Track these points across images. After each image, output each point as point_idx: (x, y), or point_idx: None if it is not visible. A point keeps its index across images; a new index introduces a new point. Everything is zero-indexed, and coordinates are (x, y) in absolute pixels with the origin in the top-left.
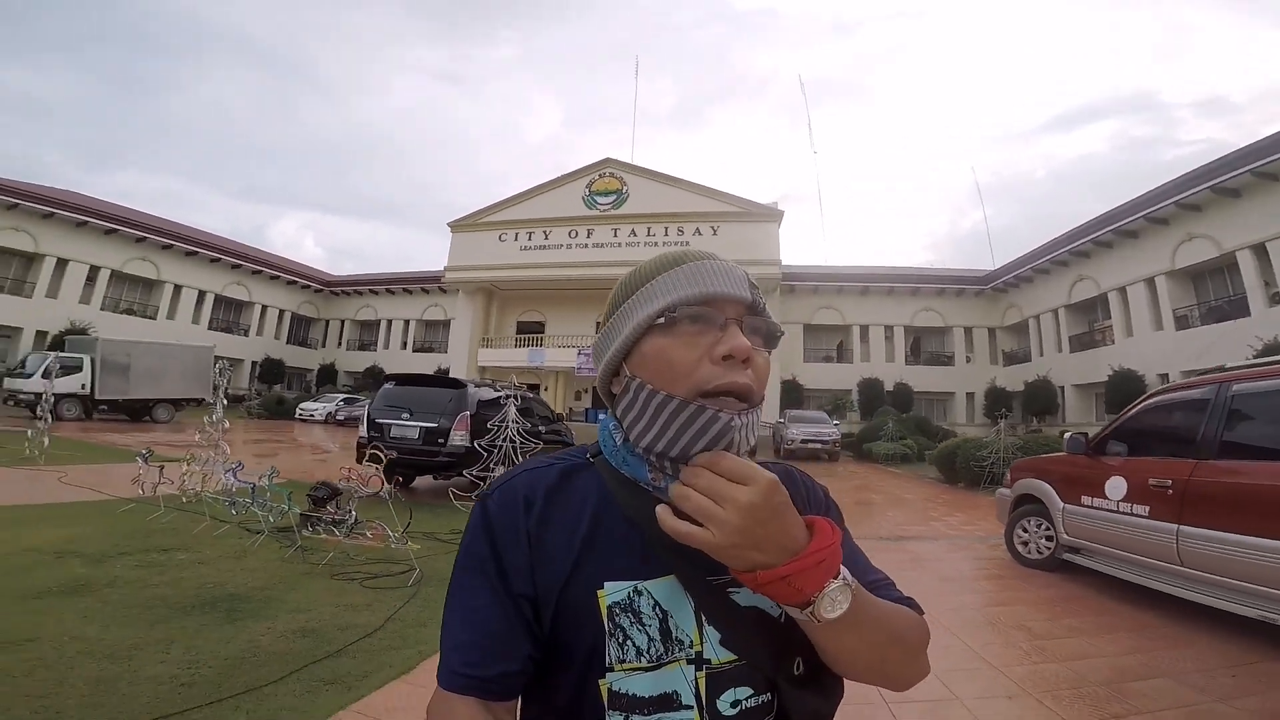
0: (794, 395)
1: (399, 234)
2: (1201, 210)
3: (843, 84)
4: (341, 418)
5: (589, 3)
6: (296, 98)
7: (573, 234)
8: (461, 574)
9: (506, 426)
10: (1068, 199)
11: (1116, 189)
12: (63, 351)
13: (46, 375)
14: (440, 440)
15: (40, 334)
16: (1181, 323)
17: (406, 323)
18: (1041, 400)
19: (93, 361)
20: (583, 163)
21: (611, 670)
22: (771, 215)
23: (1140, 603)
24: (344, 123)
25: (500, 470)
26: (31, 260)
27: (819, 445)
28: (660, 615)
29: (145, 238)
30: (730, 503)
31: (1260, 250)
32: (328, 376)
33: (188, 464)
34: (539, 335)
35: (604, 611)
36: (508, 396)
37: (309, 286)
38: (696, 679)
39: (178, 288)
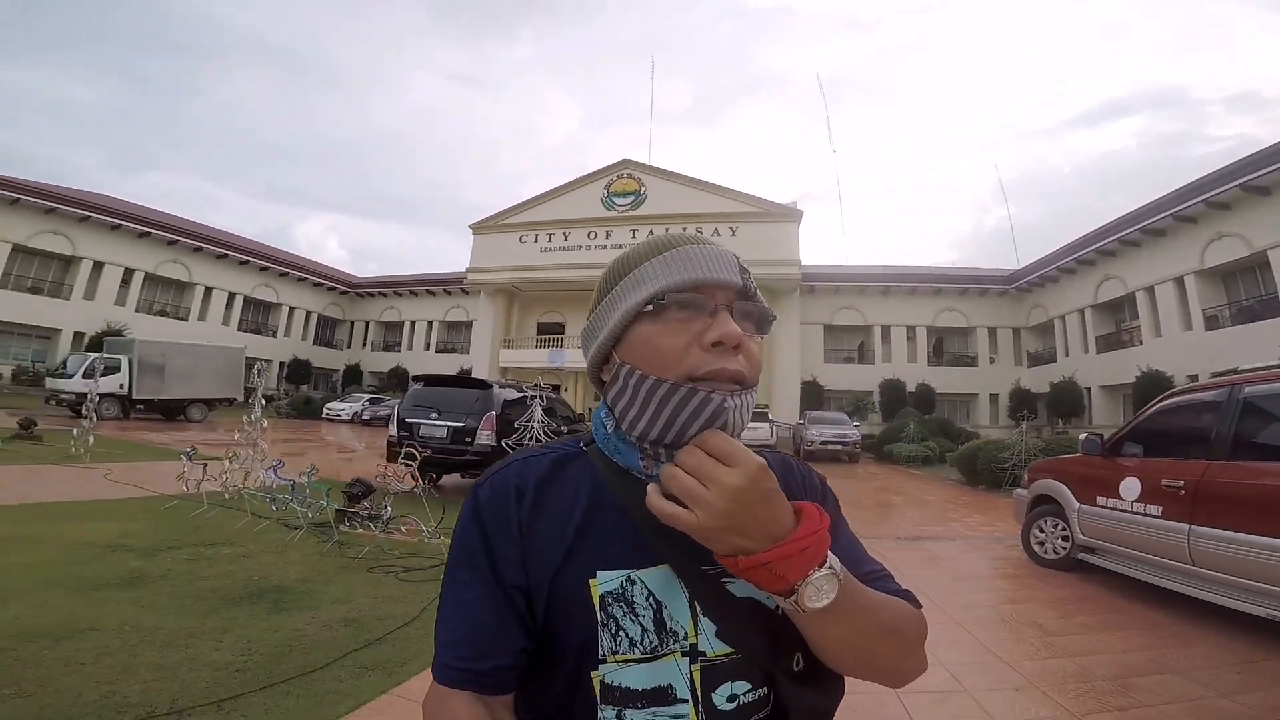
0: (814, 396)
1: (419, 234)
2: (1231, 209)
3: (862, 81)
4: (367, 417)
5: (604, 2)
6: (319, 100)
7: (592, 235)
8: (454, 567)
9: (532, 425)
10: (1094, 196)
11: (1144, 186)
12: (101, 353)
13: (89, 375)
14: (468, 439)
15: (78, 335)
16: (1211, 323)
17: (429, 324)
18: (1067, 402)
19: (130, 362)
20: (601, 162)
21: (604, 662)
22: (791, 215)
23: (1152, 602)
24: (365, 124)
25: None
26: (69, 263)
27: (839, 446)
28: (654, 606)
29: (177, 240)
30: (716, 484)
31: None
32: (353, 377)
33: (229, 462)
34: (559, 336)
35: (596, 601)
36: (533, 397)
37: (334, 288)
38: (691, 672)
39: (208, 289)
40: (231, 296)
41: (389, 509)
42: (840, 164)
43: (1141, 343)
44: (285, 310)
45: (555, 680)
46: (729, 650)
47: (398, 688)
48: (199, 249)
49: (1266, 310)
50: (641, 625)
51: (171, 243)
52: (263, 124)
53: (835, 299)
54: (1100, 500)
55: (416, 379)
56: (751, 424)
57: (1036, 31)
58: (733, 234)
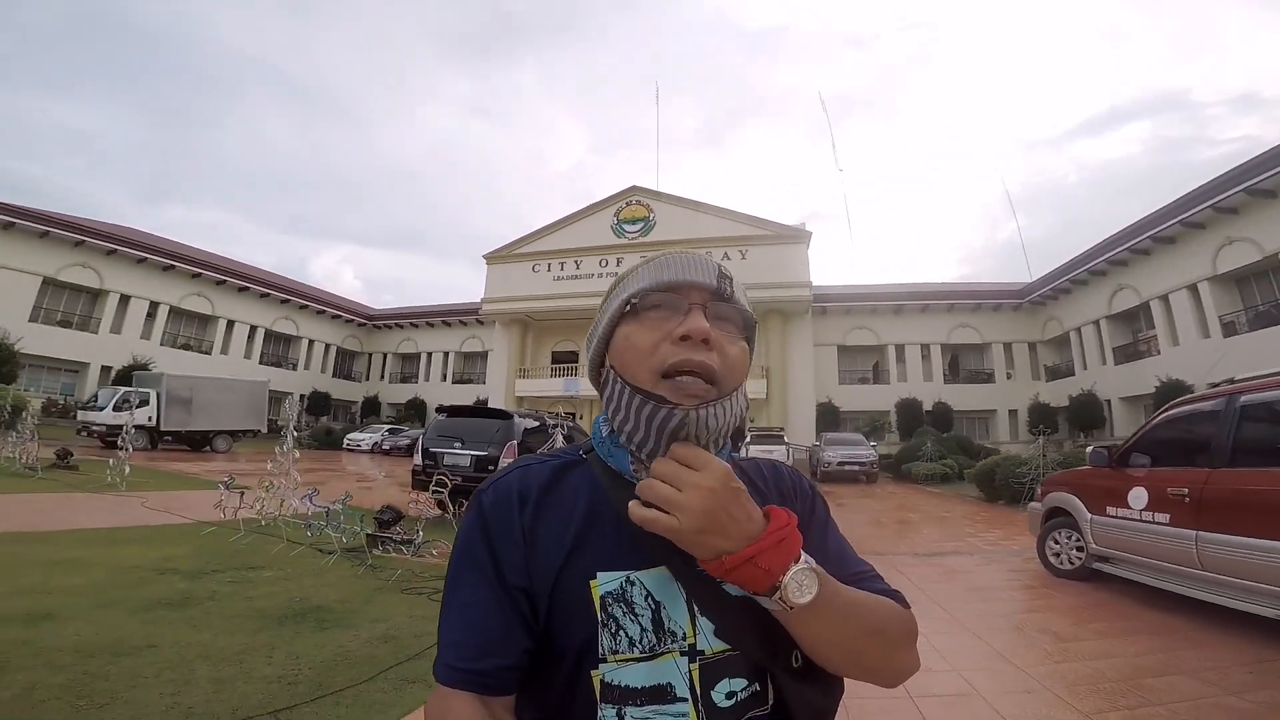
0: (830, 418)
1: (432, 264)
2: (1238, 213)
3: (864, 98)
4: (387, 447)
5: (606, 29)
6: (330, 131)
7: (603, 263)
8: (457, 570)
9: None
10: (1104, 204)
11: (1154, 192)
12: (129, 386)
13: (120, 409)
14: (490, 467)
15: (105, 369)
16: (1229, 329)
17: (446, 355)
18: (1087, 415)
19: (158, 395)
20: (609, 188)
21: (604, 661)
22: (799, 237)
23: (1166, 608)
24: (376, 154)
25: None
26: (97, 296)
27: (857, 467)
28: (653, 606)
29: (200, 274)
30: (690, 487)
31: None
32: (371, 408)
33: (266, 490)
34: (573, 365)
35: (597, 602)
36: (554, 426)
37: (352, 320)
38: (690, 671)
39: (230, 323)
40: (253, 330)
41: (420, 534)
42: (847, 182)
43: (1159, 352)
44: (305, 343)
45: (556, 680)
46: (726, 648)
47: None
48: (222, 282)
49: None
50: (641, 625)
51: (195, 275)
52: (276, 156)
53: (847, 319)
54: (1111, 510)
55: (440, 410)
56: (768, 447)
57: (1034, 41)
58: (743, 257)
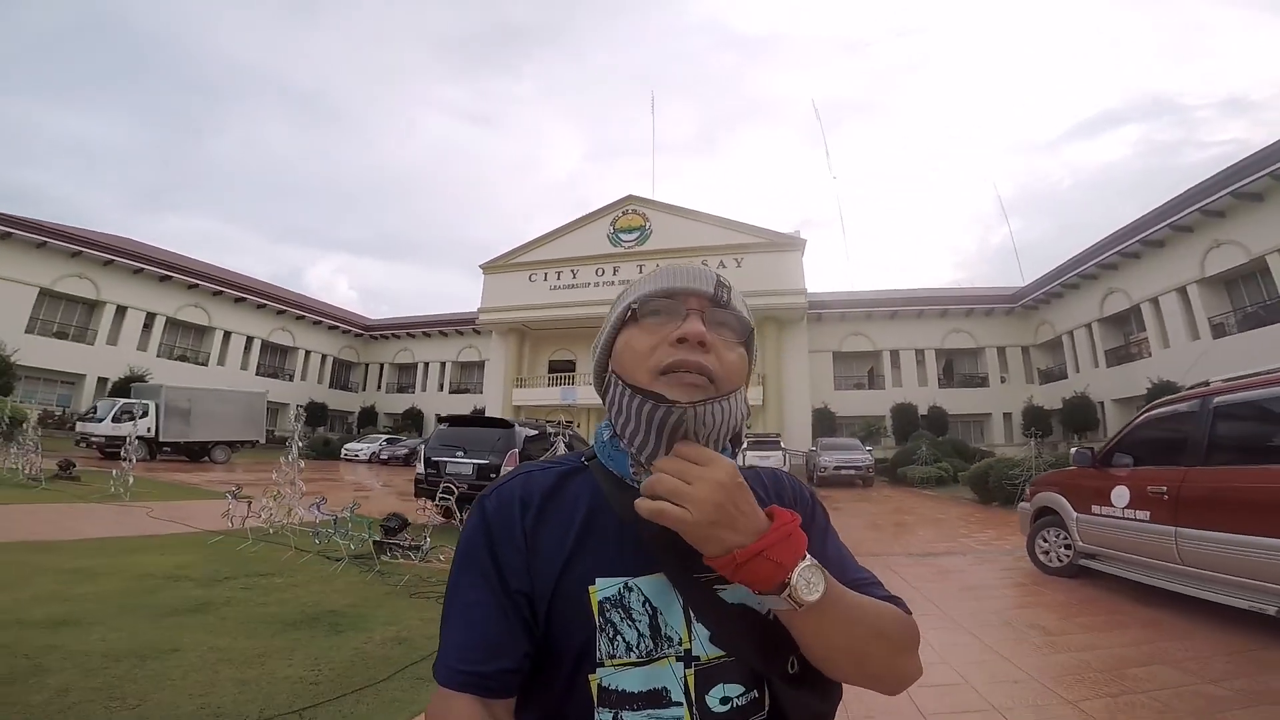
0: (827, 423)
1: (428, 273)
2: (1225, 216)
3: (858, 104)
4: (385, 457)
5: (601, 34)
6: (325, 140)
7: (599, 272)
8: (460, 573)
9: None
10: (1097, 208)
11: (1147, 195)
12: (127, 398)
13: (119, 420)
14: (492, 475)
15: (101, 381)
16: (1218, 330)
17: (443, 365)
18: (1080, 417)
19: (157, 407)
20: (606, 196)
21: (602, 665)
22: (794, 244)
23: (1151, 602)
24: (371, 163)
25: None
26: (93, 308)
27: (853, 471)
28: (650, 611)
29: (197, 284)
30: (698, 480)
31: None
32: (368, 418)
33: (274, 499)
34: (570, 374)
35: (595, 607)
36: (556, 434)
37: (349, 331)
38: (686, 676)
39: (227, 334)
40: (249, 340)
41: (428, 540)
42: (842, 188)
43: (1150, 354)
44: (301, 354)
45: (554, 683)
46: (722, 654)
47: None
48: (218, 292)
49: (1271, 315)
50: (638, 630)
51: (192, 286)
52: (271, 164)
53: (842, 326)
54: (1096, 509)
55: (442, 419)
56: (764, 452)
57: (1027, 45)
58: (738, 265)
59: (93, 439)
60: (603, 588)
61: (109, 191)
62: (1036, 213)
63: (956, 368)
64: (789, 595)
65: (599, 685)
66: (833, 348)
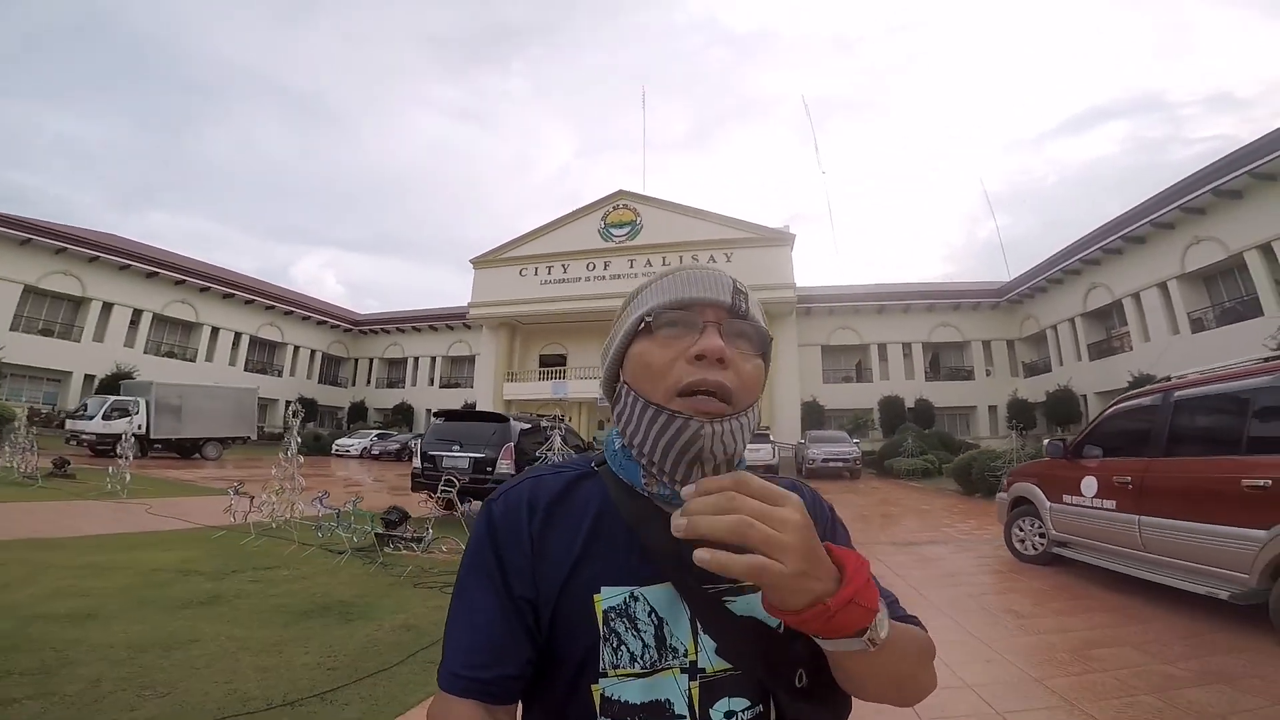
0: (815, 416)
1: (417, 269)
2: (1205, 213)
3: (849, 100)
4: (376, 452)
5: (595, 32)
6: (313, 135)
7: (590, 266)
8: (466, 577)
9: (552, 454)
10: (1084, 203)
11: (1132, 191)
12: (115, 395)
13: (109, 418)
14: (488, 469)
15: (88, 378)
16: (1197, 325)
17: (433, 359)
18: (1064, 410)
19: (148, 403)
20: (597, 192)
21: (605, 675)
22: (784, 239)
23: (1119, 589)
24: (360, 159)
25: None
26: (79, 305)
27: (840, 464)
28: (655, 622)
29: (184, 280)
30: (786, 526)
31: (1267, 250)
32: (358, 414)
33: (276, 495)
34: (561, 368)
35: (599, 616)
36: (551, 428)
37: (338, 326)
38: (690, 688)
39: (215, 330)
40: (238, 336)
41: (430, 532)
42: (831, 183)
43: (1132, 348)
44: (290, 349)
45: (555, 691)
46: (728, 667)
47: None
48: (205, 289)
49: (1249, 311)
50: (643, 640)
51: (179, 283)
52: (258, 160)
53: (831, 320)
54: (1067, 499)
55: (438, 414)
56: (752, 445)
57: (1014, 43)
58: (728, 260)
59: (83, 436)
60: (608, 596)
61: (98, 190)
62: (1023, 208)
63: (943, 361)
64: (868, 638)
65: (601, 695)
66: (821, 341)
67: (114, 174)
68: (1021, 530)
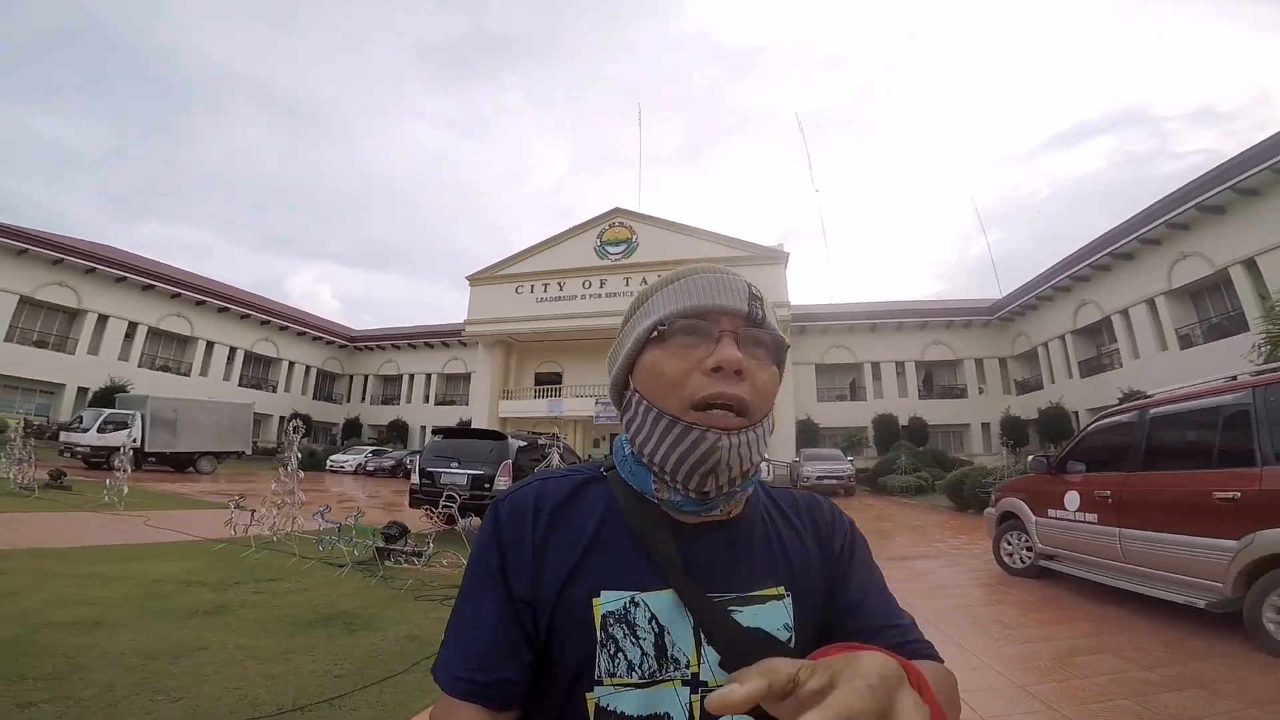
0: (810, 435)
1: (411, 283)
2: (1190, 229)
3: (840, 117)
4: (371, 468)
5: (589, 47)
6: (308, 147)
7: (586, 284)
8: (470, 579)
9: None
10: (1074, 219)
11: (1121, 205)
12: (112, 408)
13: (104, 431)
14: (486, 485)
15: (81, 391)
16: (1185, 341)
17: (428, 376)
18: (1056, 427)
19: (143, 417)
20: (591, 207)
21: (600, 684)
22: (777, 258)
23: (1104, 600)
24: (355, 173)
25: None
26: (74, 316)
27: (835, 481)
28: (656, 630)
29: (180, 294)
30: None
31: (1251, 265)
32: (352, 430)
33: (278, 508)
34: (557, 386)
35: (597, 621)
36: (550, 446)
37: (333, 342)
38: (691, 702)
39: (210, 344)
40: (232, 351)
41: (431, 546)
42: (825, 200)
43: (1122, 365)
44: (285, 365)
45: (552, 698)
46: None
47: None
48: (201, 302)
49: (1235, 326)
50: (641, 649)
51: (175, 296)
52: (252, 171)
53: (825, 338)
54: (1052, 513)
55: (436, 431)
56: None
57: (1003, 60)
58: None
59: (77, 449)
60: (607, 601)
61: (88, 197)
62: (1015, 224)
63: (936, 379)
64: None
65: (596, 704)
66: (815, 360)
67: (104, 180)
68: (1009, 544)
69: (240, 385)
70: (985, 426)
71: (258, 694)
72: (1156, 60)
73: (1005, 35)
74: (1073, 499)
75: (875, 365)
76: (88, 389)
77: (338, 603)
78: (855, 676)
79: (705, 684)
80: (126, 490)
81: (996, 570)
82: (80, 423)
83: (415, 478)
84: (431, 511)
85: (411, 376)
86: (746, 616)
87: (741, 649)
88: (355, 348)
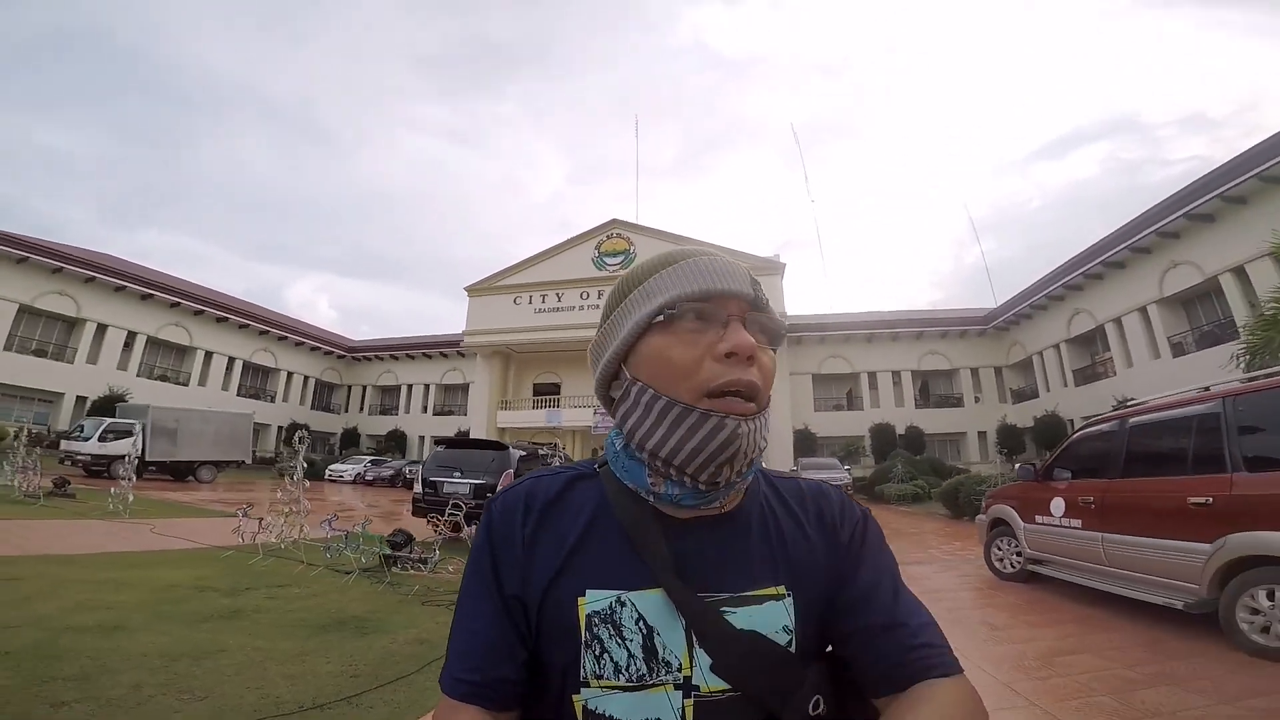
0: (807, 444)
1: (409, 293)
2: (1180, 237)
3: (836, 126)
4: (370, 478)
5: (587, 57)
6: (308, 158)
7: (584, 295)
8: (468, 580)
9: None
10: (1067, 226)
11: (1115, 212)
12: (112, 417)
13: (105, 440)
14: (488, 495)
15: (80, 399)
16: (1177, 349)
17: (426, 387)
18: (1051, 435)
19: (144, 426)
20: (588, 217)
21: (587, 685)
22: (774, 268)
23: (1090, 603)
24: (353, 182)
25: None
26: (73, 325)
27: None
28: (644, 631)
29: (178, 303)
30: None
31: (1240, 273)
32: (351, 440)
33: (285, 517)
34: (555, 396)
35: (582, 620)
36: (551, 455)
37: (331, 353)
38: (684, 707)
39: (208, 354)
40: (231, 361)
41: (438, 553)
42: (820, 210)
43: (1115, 373)
44: (284, 375)
45: (544, 699)
46: (727, 687)
47: None
48: (200, 312)
49: (1225, 334)
50: (629, 650)
51: (173, 305)
52: (251, 181)
53: (821, 348)
54: (1039, 519)
55: (439, 442)
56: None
57: (996, 68)
58: None
59: (78, 457)
60: (592, 600)
61: (84, 204)
62: (1009, 233)
63: (932, 388)
64: None
65: (584, 708)
66: (812, 370)
67: (103, 188)
68: (1000, 550)
69: (238, 395)
70: (981, 435)
71: (279, 693)
72: (1147, 66)
73: (998, 43)
74: (1059, 505)
75: (872, 375)
76: (86, 398)
77: (348, 607)
78: None
79: (698, 689)
80: (131, 498)
81: (988, 575)
82: (81, 431)
83: (418, 487)
84: (438, 520)
85: (410, 387)
86: (741, 618)
87: (735, 652)
88: (353, 358)
